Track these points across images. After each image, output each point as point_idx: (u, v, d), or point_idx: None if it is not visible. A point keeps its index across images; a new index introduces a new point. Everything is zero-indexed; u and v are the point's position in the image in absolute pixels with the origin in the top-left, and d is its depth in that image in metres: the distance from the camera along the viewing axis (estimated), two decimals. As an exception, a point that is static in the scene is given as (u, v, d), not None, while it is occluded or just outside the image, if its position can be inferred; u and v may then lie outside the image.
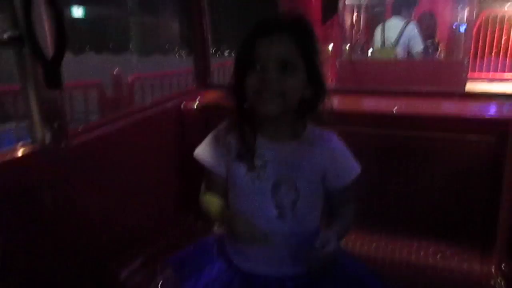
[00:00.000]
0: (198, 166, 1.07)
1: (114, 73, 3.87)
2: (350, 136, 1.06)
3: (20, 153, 1.12)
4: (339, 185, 1.05)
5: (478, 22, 5.17)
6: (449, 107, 1.56)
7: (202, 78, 1.99)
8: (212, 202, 1.08)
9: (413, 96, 1.69)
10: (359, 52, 5.30)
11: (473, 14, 4.50)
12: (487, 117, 1.49)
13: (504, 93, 1.63)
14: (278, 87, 0.93)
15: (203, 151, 1.08)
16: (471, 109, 1.52)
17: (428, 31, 4.82)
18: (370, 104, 1.76)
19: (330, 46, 4.68)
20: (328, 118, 1.00)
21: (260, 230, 0.96)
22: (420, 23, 4.80)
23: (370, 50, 4.99)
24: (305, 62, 0.96)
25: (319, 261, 0.93)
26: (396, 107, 1.58)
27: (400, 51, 4.64)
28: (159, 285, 1.15)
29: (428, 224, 1.58)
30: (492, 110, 1.52)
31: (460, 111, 1.52)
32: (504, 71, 5.36)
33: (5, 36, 1.05)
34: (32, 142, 1.17)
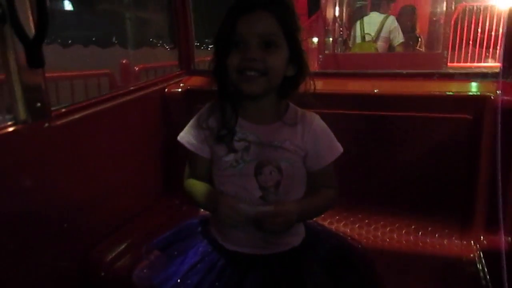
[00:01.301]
0: (182, 150, 1.06)
1: (124, 62, 4.12)
2: (332, 117, 1.07)
3: (0, 132, 1.10)
4: (320, 165, 1.05)
5: (455, 14, 5.27)
6: (428, 87, 1.58)
7: (186, 64, 1.99)
8: (196, 186, 1.08)
9: (394, 77, 1.72)
10: (343, 45, 5.32)
11: (451, 6, 4.59)
12: (464, 95, 1.52)
13: (481, 71, 1.67)
14: (261, 65, 0.93)
15: (186, 135, 1.07)
16: (449, 88, 1.55)
17: (409, 24, 4.87)
18: (352, 86, 1.78)
19: (315, 39, 4.70)
20: (311, 100, 1.00)
21: (245, 214, 0.95)
22: (401, 17, 4.86)
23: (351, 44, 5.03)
24: (287, 39, 0.96)
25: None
26: (377, 89, 1.60)
27: (381, 44, 4.68)
28: (144, 268, 1.13)
29: (410, 203, 1.61)
30: (468, 89, 1.55)
31: (439, 90, 1.55)
32: (481, 61, 5.49)
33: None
34: (14, 123, 1.15)
